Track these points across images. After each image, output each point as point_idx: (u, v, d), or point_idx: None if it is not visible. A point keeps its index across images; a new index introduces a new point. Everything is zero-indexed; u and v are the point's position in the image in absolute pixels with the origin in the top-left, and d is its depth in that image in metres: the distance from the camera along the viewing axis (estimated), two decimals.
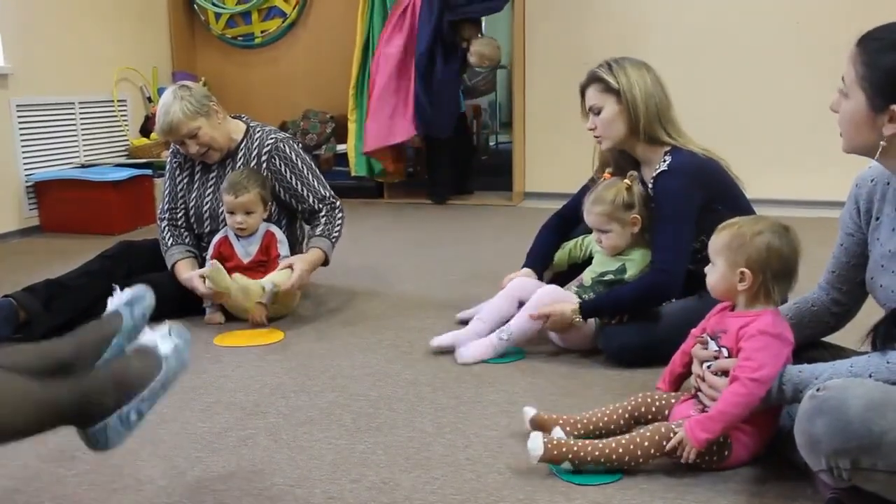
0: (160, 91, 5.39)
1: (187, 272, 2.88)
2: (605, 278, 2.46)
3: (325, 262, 2.95)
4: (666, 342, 2.09)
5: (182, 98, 2.86)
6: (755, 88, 4.88)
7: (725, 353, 1.73)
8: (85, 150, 5.14)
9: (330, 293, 3.24)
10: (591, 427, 1.83)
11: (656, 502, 1.62)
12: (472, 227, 4.73)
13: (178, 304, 2.85)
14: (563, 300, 2.42)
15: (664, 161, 2.38)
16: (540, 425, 1.83)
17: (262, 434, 1.98)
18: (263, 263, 2.89)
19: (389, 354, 2.53)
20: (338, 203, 3.03)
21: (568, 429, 1.82)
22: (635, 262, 2.43)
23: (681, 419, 1.72)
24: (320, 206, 2.99)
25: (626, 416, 1.84)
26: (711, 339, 1.78)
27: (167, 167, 3.12)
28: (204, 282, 2.78)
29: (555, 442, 1.71)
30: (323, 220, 2.98)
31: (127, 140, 5.43)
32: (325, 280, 3.37)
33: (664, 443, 1.67)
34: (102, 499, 1.69)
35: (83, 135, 5.13)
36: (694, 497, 1.63)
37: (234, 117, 3.07)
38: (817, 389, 1.44)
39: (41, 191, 4.74)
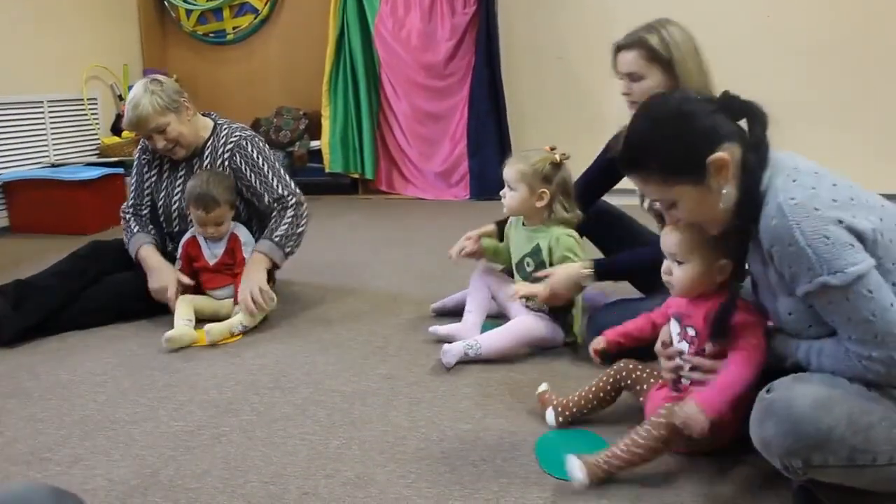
0: (131, 89, 5.34)
1: (154, 255, 2.88)
2: (528, 268, 2.48)
3: (274, 265, 2.87)
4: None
5: (153, 92, 2.82)
6: (726, 82, 4.90)
7: (692, 332, 1.74)
8: (55, 150, 5.08)
9: (304, 290, 3.23)
10: (582, 404, 1.92)
11: (629, 491, 1.63)
12: (448, 222, 4.73)
13: (146, 303, 2.84)
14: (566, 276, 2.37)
15: None
16: (540, 401, 2.00)
17: (236, 431, 1.97)
18: (230, 266, 2.87)
19: (364, 350, 2.53)
20: (291, 201, 2.90)
21: (560, 410, 1.93)
22: (547, 239, 2.44)
23: (660, 405, 1.72)
24: (275, 205, 2.91)
25: (611, 383, 1.91)
26: (675, 319, 1.79)
27: (135, 162, 3.08)
28: (177, 292, 2.79)
29: (591, 463, 1.65)
30: (270, 222, 2.90)
31: (98, 139, 5.38)
32: (300, 277, 3.36)
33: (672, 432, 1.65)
34: None
35: (53, 134, 5.07)
36: (667, 484, 1.65)
37: (203, 114, 3.04)
38: (766, 391, 1.45)
39: (11, 191, 4.68)
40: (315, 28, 5.62)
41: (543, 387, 2.03)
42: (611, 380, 1.91)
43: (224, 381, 2.30)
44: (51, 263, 2.87)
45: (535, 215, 2.48)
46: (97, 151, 5.34)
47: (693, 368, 1.75)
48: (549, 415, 1.94)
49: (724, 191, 1.52)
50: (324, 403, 2.12)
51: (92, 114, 5.37)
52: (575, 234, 2.47)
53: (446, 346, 2.37)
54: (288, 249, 2.87)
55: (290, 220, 2.87)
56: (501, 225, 2.72)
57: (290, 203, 2.90)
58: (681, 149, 1.52)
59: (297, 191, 2.96)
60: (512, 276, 2.62)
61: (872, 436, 1.38)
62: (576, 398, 1.94)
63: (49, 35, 5.04)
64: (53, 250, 3.44)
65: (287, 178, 2.97)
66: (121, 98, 5.57)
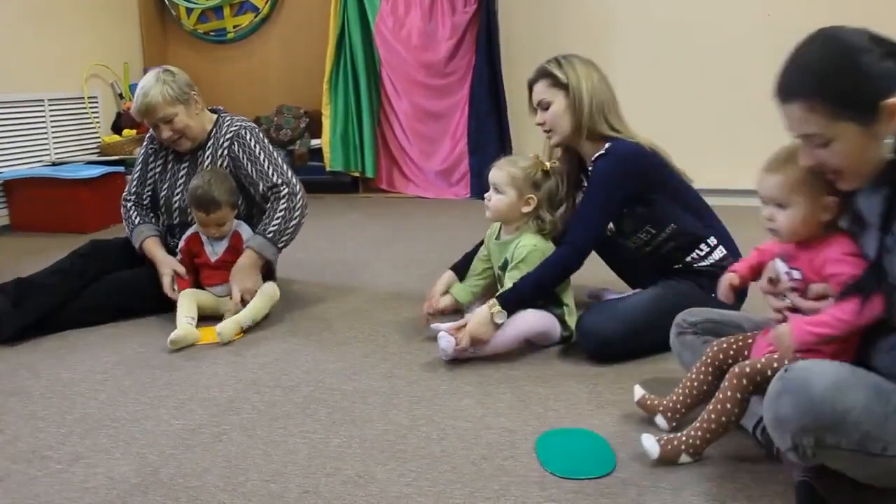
0: (132, 88, 5.35)
1: (156, 249, 2.89)
2: (503, 281, 2.46)
3: (266, 262, 2.85)
4: (644, 332, 2.10)
5: (164, 82, 2.83)
6: (725, 81, 4.91)
7: (798, 275, 1.66)
8: (56, 148, 5.08)
9: (305, 288, 3.23)
10: (690, 401, 1.84)
11: (629, 490, 1.64)
12: (449, 220, 4.73)
13: (151, 300, 2.84)
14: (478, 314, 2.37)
15: (604, 148, 2.39)
16: (644, 408, 1.91)
17: (237, 430, 1.97)
18: (231, 263, 2.84)
19: (364, 348, 2.53)
20: (283, 191, 2.85)
21: (669, 415, 1.86)
22: (512, 250, 2.44)
23: (765, 347, 1.69)
24: (269, 194, 2.88)
25: (711, 370, 1.81)
26: (781, 260, 1.71)
27: (142, 151, 3.08)
28: (173, 288, 2.81)
29: (665, 439, 1.68)
30: (264, 217, 2.88)
31: (98, 137, 5.38)
32: (300, 276, 3.36)
33: (744, 381, 1.62)
34: (75, 498, 1.67)
35: (53, 132, 5.07)
36: (669, 482, 1.65)
37: (210, 110, 3.04)
38: (785, 370, 1.46)
39: (11, 189, 4.68)
40: (315, 26, 5.62)
41: (640, 392, 1.92)
42: (710, 368, 1.81)
43: (225, 380, 2.30)
44: (51, 262, 2.87)
45: (516, 221, 2.47)
46: (98, 150, 5.35)
47: (794, 310, 1.66)
48: (661, 420, 1.87)
49: (886, 140, 1.44)
50: (324, 402, 2.12)
51: (92, 112, 5.37)
52: (538, 241, 2.43)
53: (441, 333, 2.36)
54: (281, 245, 2.86)
55: (282, 213, 2.84)
56: (457, 267, 2.72)
57: (283, 193, 2.86)
58: (858, 84, 1.44)
59: (294, 181, 2.91)
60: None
61: (887, 425, 1.39)
62: (681, 397, 1.85)
63: (50, 34, 5.04)
64: (54, 249, 3.45)
65: (284, 167, 2.94)
66: (121, 97, 5.57)
